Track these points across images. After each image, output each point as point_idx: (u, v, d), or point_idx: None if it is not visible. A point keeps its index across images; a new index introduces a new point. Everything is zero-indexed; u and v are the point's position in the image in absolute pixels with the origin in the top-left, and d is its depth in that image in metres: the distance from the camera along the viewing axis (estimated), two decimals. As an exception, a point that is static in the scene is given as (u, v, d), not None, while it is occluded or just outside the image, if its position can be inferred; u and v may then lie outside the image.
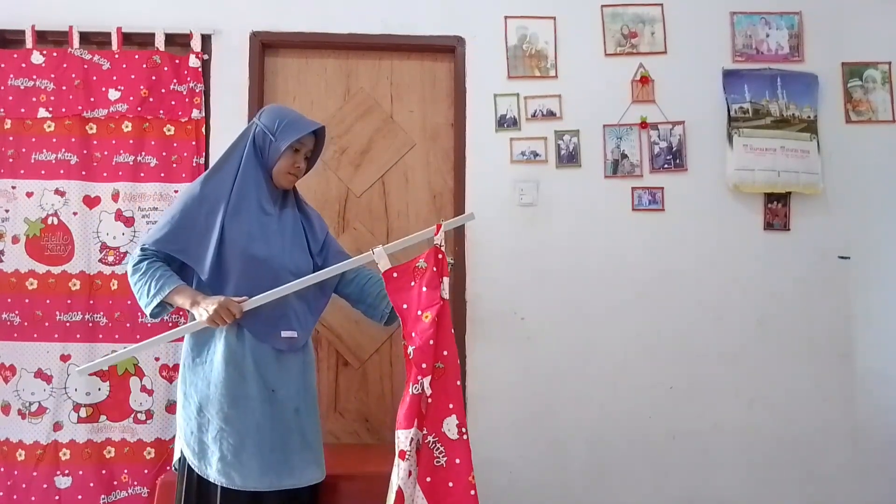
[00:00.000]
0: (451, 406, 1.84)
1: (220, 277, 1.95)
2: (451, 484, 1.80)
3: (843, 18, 2.97)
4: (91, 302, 2.76)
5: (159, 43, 2.83)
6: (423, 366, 1.83)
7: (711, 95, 2.93)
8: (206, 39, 2.86)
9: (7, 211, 2.77)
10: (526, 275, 2.86)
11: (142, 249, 1.96)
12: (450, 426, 1.83)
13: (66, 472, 2.70)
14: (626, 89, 2.93)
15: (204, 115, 2.84)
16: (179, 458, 1.98)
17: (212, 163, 2.67)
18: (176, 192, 2.78)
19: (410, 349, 1.86)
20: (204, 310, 1.87)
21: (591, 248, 2.88)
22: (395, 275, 1.93)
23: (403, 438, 1.83)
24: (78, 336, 2.74)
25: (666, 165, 2.90)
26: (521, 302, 2.86)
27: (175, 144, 2.82)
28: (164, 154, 2.81)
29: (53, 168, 2.78)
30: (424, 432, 1.83)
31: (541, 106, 2.91)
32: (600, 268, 2.87)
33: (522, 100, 2.91)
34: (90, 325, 2.75)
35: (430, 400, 1.83)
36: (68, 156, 2.78)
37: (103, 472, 2.72)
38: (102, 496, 2.70)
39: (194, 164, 2.81)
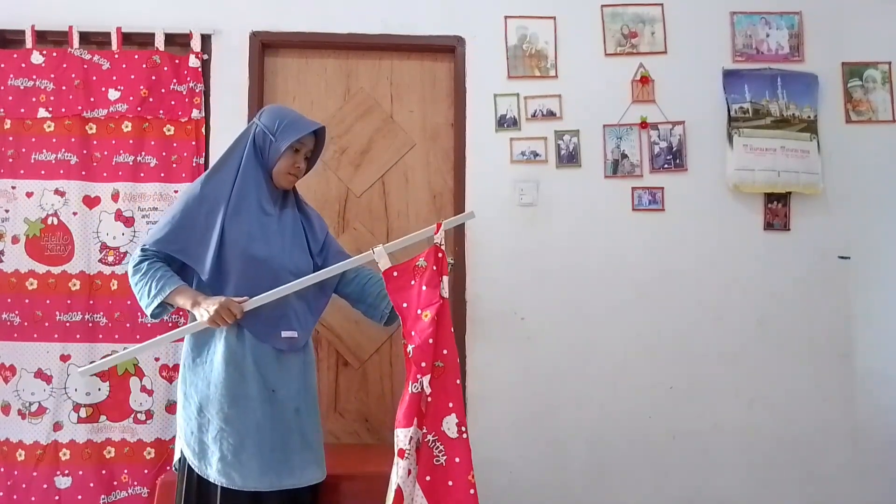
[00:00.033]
0: (450, 405, 1.84)
1: (221, 278, 1.95)
2: (450, 483, 1.80)
3: (843, 18, 2.98)
4: (91, 302, 2.76)
5: (159, 43, 2.83)
6: (423, 364, 1.83)
7: (711, 95, 2.93)
8: (205, 39, 2.86)
9: (7, 211, 2.77)
10: (526, 275, 2.86)
11: (142, 250, 1.96)
12: (449, 425, 1.83)
13: (66, 472, 2.70)
14: (626, 89, 2.93)
15: (204, 115, 2.84)
16: (180, 459, 1.98)
17: (212, 163, 2.68)
18: (176, 192, 2.78)
19: (410, 348, 1.86)
20: (205, 310, 1.87)
21: (591, 248, 2.88)
22: (395, 274, 1.93)
23: (402, 437, 1.83)
24: (78, 336, 2.74)
25: (666, 165, 2.90)
26: (521, 302, 2.86)
27: (175, 144, 2.82)
28: (163, 154, 2.81)
29: (53, 168, 2.78)
30: (424, 431, 1.83)
31: (541, 106, 2.91)
32: (600, 268, 2.87)
33: (522, 100, 2.91)
34: (90, 325, 2.75)
35: (429, 399, 1.83)
36: (68, 156, 2.78)
37: (103, 472, 2.72)
38: (102, 496, 2.70)
39: (194, 165, 2.81)
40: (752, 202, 2.90)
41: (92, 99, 2.80)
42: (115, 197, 2.79)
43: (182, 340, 2.04)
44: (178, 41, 2.86)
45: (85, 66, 2.81)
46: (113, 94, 2.81)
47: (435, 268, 1.90)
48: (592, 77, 2.92)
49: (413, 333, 1.87)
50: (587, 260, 2.87)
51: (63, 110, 2.79)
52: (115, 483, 2.72)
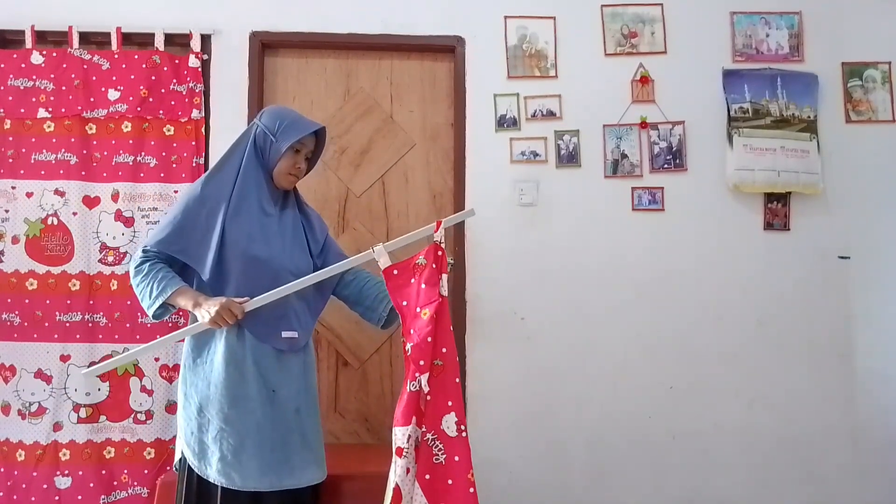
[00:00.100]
0: (449, 403, 1.84)
1: (221, 278, 1.95)
2: (450, 481, 1.80)
3: (843, 18, 2.98)
4: (91, 302, 2.76)
5: (159, 43, 2.83)
6: (421, 363, 1.83)
7: (711, 95, 2.93)
8: (205, 39, 2.86)
9: (7, 211, 2.77)
10: (526, 275, 2.86)
11: (143, 251, 1.96)
12: (449, 424, 1.83)
13: (66, 472, 2.70)
14: (626, 89, 2.93)
15: (204, 115, 2.84)
16: (180, 459, 1.98)
17: (211, 163, 2.68)
18: (176, 192, 2.78)
19: (409, 346, 1.86)
20: (206, 311, 1.87)
21: (591, 248, 2.88)
22: (395, 272, 1.93)
23: (400, 435, 1.82)
24: (78, 336, 2.74)
25: (666, 165, 2.91)
26: (520, 302, 2.86)
27: (175, 145, 2.82)
28: (163, 154, 2.81)
29: (53, 168, 2.78)
30: (423, 430, 1.83)
31: (541, 106, 2.91)
32: (600, 268, 2.87)
33: (522, 100, 2.91)
34: (90, 325, 2.75)
35: (428, 397, 1.83)
36: (68, 156, 2.78)
37: (103, 472, 2.72)
38: (102, 496, 2.70)
39: (194, 165, 2.81)
40: (752, 202, 2.90)
41: (92, 99, 2.80)
42: (114, 197, 2.79)
43: (184, 341, 2.04)
44: (177, 41, 2.86)
45: (85, 67, 2.81)
46: (113, 95, 2.81)
47: (434, 266, 1.90)
48: (592, 77, 2.92)
49: (412, 332, 1.87)
50: (587, 260, 2.87)
51: (63, 110, 2.79)
52: (115, 483, 2.72)
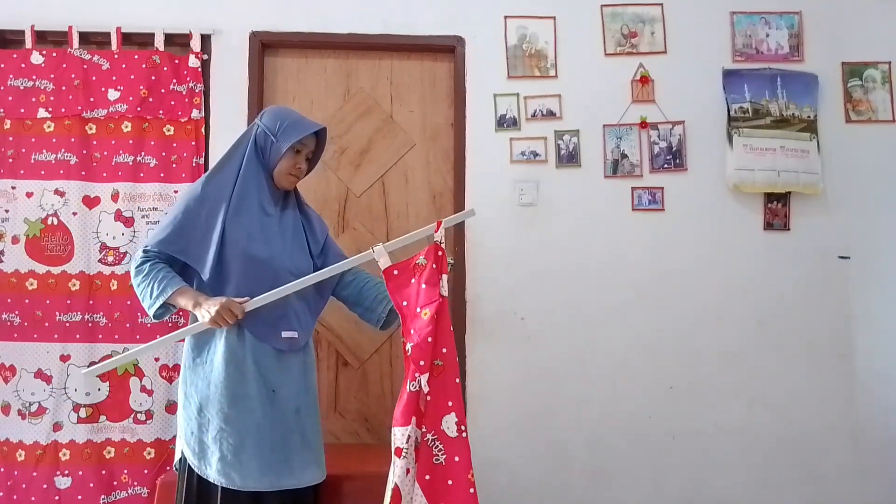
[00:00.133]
0: (450, 404, 1.84)
1: (221, 278, 1.95)
2: (450, 482, 1.80)
3: (843, 18, 2.98)
4: (91, 302, 2.76)
5: (159, 43, 2.83)
6: (421, 363, 1.82)
7: (711, 95, 2.93)
8: (205, 39, 2.86)
9: (7, 211, 2.77)
10: (526, 275, 2.86)
11: (144, 251, 1.97)
12: (449, 424, 1.83)
13: (66, 472, 2.70)
14: (626, 89, 2.93)
15: (203, 115, 2.84)
16: (180, 459, 1.98)
17: (211, 163, 2.68)
18: (176, 192, 2.78)
19: (409, 346, 1.86)
20: (206, 311, 1.87)
21: (591, 249, 2.88)
22: (395, 272, 1.93)
23: (399, 436, 1.82)
24: (78, 336, 2.74)
25: (666, 165, 2.90)
26: (520, 302, 2.86)
27: (175, 144, 2.82)
28: (163, 154, 2.81)
29: (53, 168, 2.78)
30: (423, 430, 1.83)
31: (541, 106, 2.91)
32: (600, 268, 2.87)
33: (522, 100, 2.91)
34: (90, 325, 2.75)
35: (428, 398, 1.83)
36: (68, 156, 2.78)
37: (103, 472, 2.72)
38: (102, 496, 2.70)
39: (194, 165, 2.81)
40: (752, 202, 2.90)
41: (92, 99, 2.80)
42: (114, 197, 2.79)
43: (184, 341, 2.04)
44: (177, 41, 2.86)
45: (85, 67, 2.81)
46: (113, 95, 2.81)
47: (434, 266, 1.90)
48: (592, 77, 2.92)
49: (412, 332, 1.87)
50: (587, 260, 2.87)
51: (63, 110, 2.79)
52: (115, 483, 2.72)
